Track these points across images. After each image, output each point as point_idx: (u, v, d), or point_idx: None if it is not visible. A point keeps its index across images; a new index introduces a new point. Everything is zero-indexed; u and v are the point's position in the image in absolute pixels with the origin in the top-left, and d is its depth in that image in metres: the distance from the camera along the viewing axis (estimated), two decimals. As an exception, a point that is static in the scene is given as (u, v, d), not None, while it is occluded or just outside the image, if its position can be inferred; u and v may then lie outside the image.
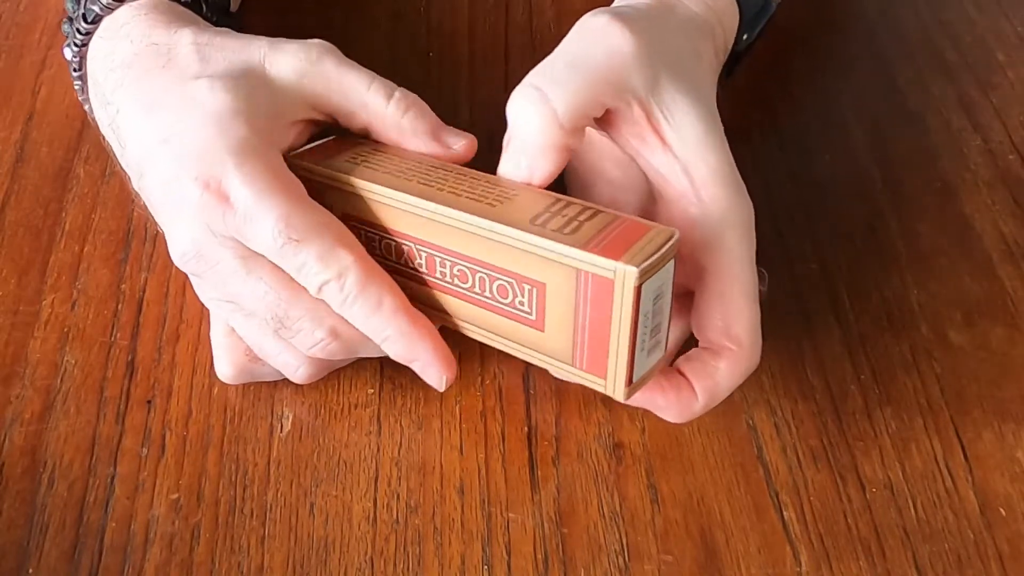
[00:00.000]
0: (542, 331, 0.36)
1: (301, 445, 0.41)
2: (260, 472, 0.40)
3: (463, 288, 0.37)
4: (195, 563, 0.38)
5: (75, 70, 0.44)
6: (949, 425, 0.42)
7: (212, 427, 0.41)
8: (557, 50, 0.38)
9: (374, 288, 0.36)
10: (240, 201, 0.36)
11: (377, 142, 0.41)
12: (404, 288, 0.38)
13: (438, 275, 0.38)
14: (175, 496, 0.39)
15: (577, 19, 0.39)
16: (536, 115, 0.36)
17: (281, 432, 0.41)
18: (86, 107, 0.45)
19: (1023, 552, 0.38)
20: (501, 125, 0.38)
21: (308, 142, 0.41)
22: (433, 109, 0.40)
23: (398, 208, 0.37)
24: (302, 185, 0.37)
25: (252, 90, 0.38)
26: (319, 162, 0.39)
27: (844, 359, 0.43)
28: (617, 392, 0.35)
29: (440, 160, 0.40)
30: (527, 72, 0.37)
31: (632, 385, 0.35)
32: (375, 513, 0.39)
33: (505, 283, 0.36)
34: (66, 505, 0.39)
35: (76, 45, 0.43)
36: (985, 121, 0.52)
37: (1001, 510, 0.39)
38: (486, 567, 0.38)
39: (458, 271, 0.37)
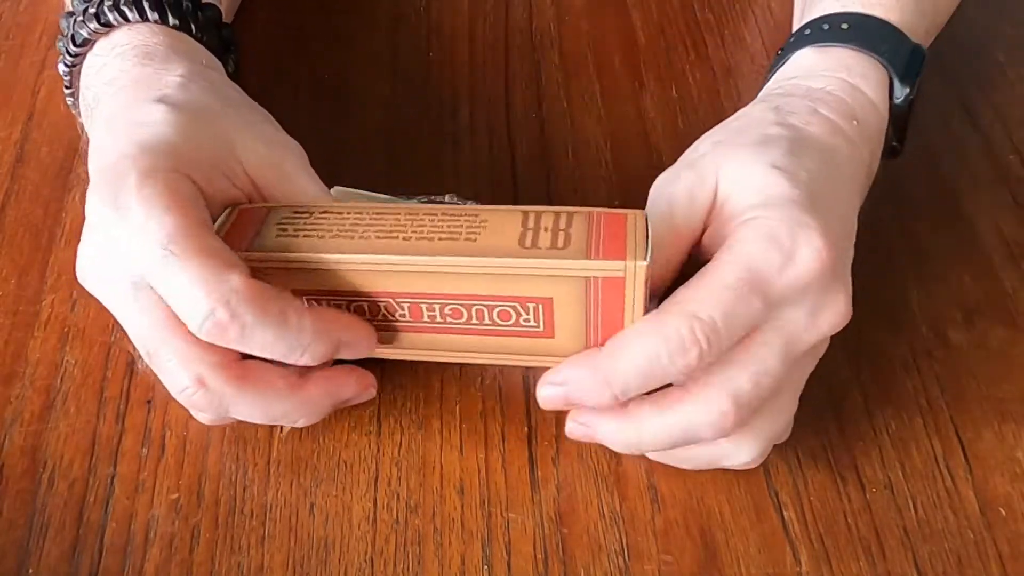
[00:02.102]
0: (552, 338, 0.36)
1: (301, 445, 0.41)
2: (260, 472, 0.40)
3: (457, 324, 0.37)
4: (195, 563, 0.38)
5: (67, 87, 0.45)
6: (949, 425, 0.42)
7: (212, 427, 0.41)
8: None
9: (273, 305, 0.34)
10: (132, 218, 0.34)
11: (294, 205, 0.38)
12: (384, 338, 0.38)
13: (426, 319, 0.37)
14: (175, 496, 0.39)
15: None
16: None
17: (281, 432, 0.41)
18: (79, 120, 0.45)
19: (1023, 552, 0.38)
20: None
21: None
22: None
23: (370, 271, 0.35)
24: (209, 219, 0.35)
25: (203, 138, 0.37)
26: (248, 244, 0.36)
27: (844, 359, 0.43)
28: None
29: (366, 206, 0.37)
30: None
31: None
32: (375, 513, 0.39)
33: (507, 308, 0.36)
34: (66, 505, 0.39)
35: (66, 65, 0.43)
36: (985, 121, 0.52)
37: (1001, 510, 0.39)
38: (486, 567, 0.38)
39: (450, 310, 0.36)
